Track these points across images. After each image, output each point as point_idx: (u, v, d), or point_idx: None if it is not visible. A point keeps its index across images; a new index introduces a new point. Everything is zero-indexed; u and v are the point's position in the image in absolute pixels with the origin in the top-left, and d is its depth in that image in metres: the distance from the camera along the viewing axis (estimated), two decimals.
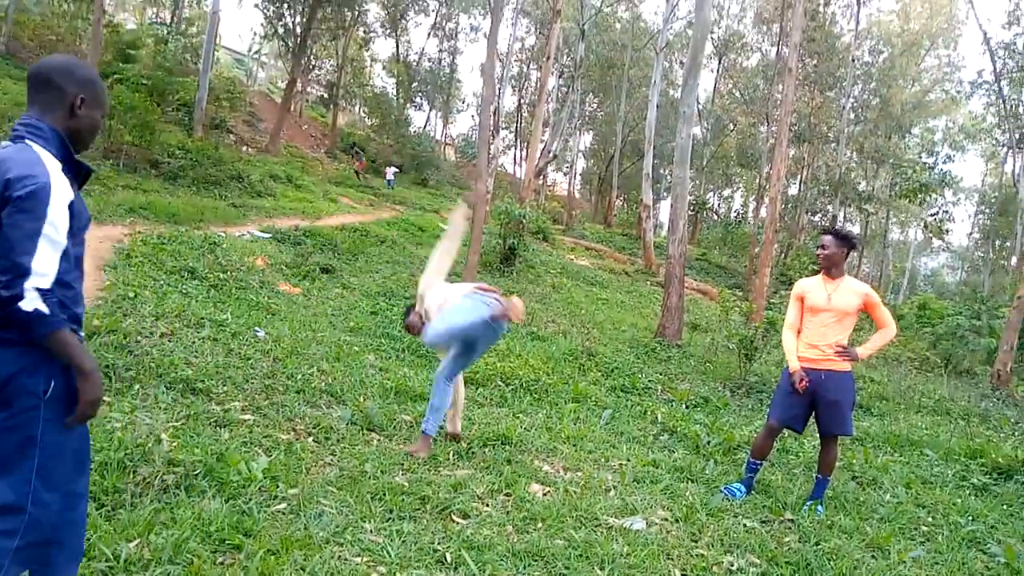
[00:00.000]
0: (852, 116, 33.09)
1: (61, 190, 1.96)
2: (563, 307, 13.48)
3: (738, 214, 50.06)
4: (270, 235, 12.58)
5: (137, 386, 4.65)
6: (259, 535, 3.15)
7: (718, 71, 39.05)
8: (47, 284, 1.86)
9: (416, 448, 4.63)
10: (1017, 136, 20.23)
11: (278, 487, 3.67)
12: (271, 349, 6.29)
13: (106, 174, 13.36)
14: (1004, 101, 21.94)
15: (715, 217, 48.39)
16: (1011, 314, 14.69)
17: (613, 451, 5.57)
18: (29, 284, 1.83)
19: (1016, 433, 8.76)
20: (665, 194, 47.52)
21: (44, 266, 1.87)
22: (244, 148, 24.35)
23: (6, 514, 1.97)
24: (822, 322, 4.64)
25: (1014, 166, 21.69)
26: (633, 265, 24.22)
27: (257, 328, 6.91)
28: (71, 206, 1.98)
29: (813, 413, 4.73)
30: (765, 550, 3.82)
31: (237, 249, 10.35)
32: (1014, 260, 27.63)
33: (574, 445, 5.52)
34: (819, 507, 4.65)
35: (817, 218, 34.46)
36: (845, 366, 4.63)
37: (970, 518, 4.98)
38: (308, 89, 42.64)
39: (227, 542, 3.05)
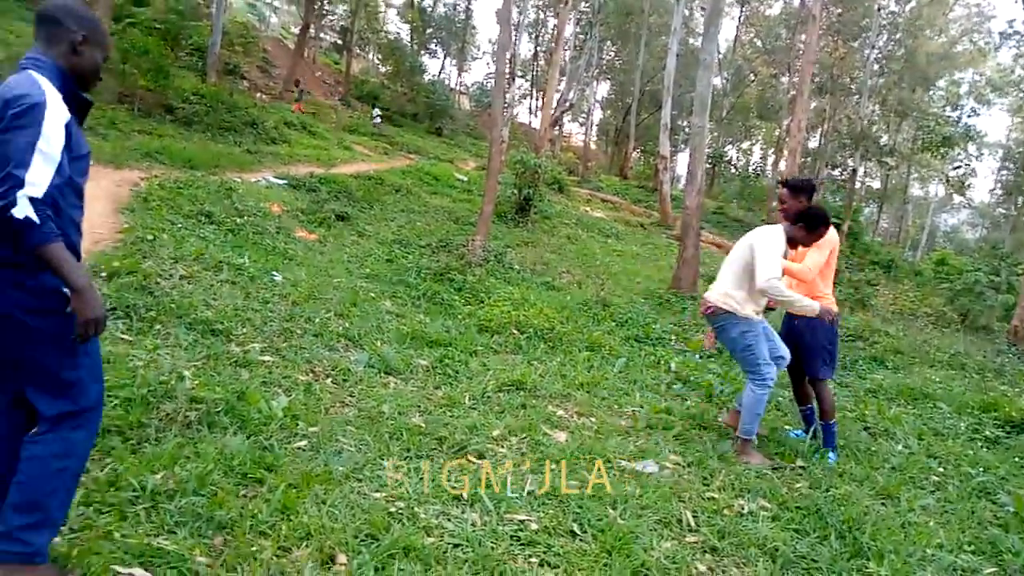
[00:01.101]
0: (876, 68, 32.35)
1: (57, 109, 2.04)
2: (578, 258, 13.46)
3: (756, 167, 49.46)
4: (285, 181, 12.57)
5: (158, 326, 4.73)
6: (280, 470, 3.23)
7: (740, 19, 38.17)
8: (39, 193, 1.92)
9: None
10: None
11: (298, 425, 3.75)
12: (289, 293, 6.35)
13: (121, 118, 13.32)
14: None
15: (733, 170, 47.79)
16: None
17: (626, 398, 5.62)
18: (22, 193, 1.90)
19: None
20: (683, 146, 46.95)
21: (38, 177, 1.93)
22: (258, 94, 24.14)
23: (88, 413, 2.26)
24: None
25: None
26: (649, 218, 24.02)
27: (275, 272, 6.96)
28: (68, 127, 2.06)
29: None
30: (776, 495, 3.87)
31: (253, 195, 10.36)
32: None
33: (588, 392, 5.57)
34: (830, 454, 4.70)
35: (837, 172, 33.96)
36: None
37: (981, 469, 5.01)
38: (321, 35, 42.06)
39: (249, 476, 3.13)
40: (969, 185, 38.09)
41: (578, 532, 3.18)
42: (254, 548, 2.63)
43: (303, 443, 3.58)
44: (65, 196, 2.08)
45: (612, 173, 39.94)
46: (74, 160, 2.11)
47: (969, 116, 33.99)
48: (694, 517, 3.50)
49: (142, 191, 8.69)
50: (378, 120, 30.10)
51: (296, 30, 38.63)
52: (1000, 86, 38.66)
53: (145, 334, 4.58)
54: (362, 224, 11.22)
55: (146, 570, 2.42)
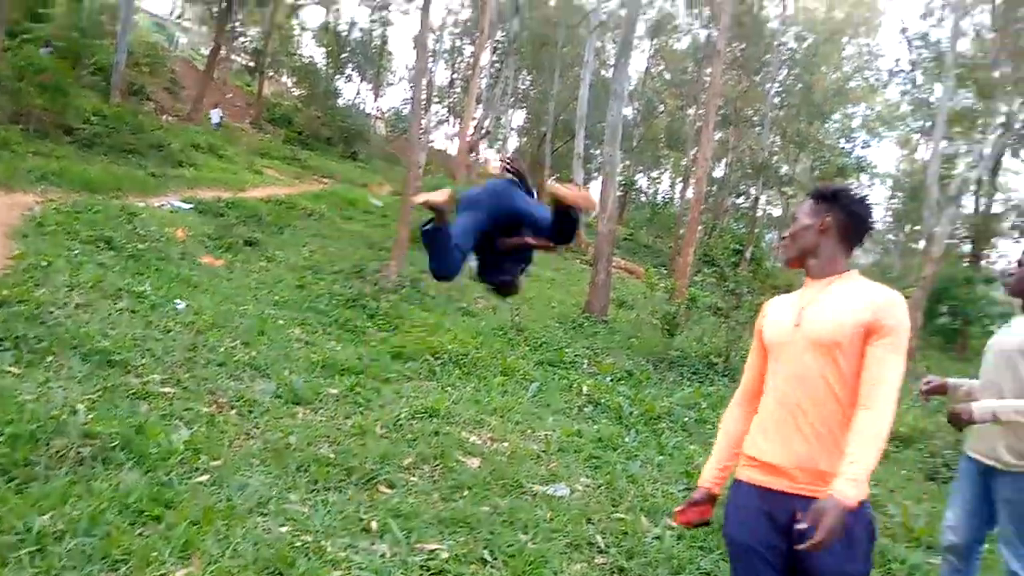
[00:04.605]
0: (776, 101, 34.05)
1: None
2: None
3: (665, 195, 51.05)
4: (192, 206, 12.22)
5: (50, 358, 4.48)
6: (180, 506, 3.10)
7: (650, 52, 39.52)
8: None
9: None
10: (929, 124, 21.26)
11: (200, 459, 3.62)
12: (192, 322, 6.14)
13: (15, 139, 12.68)
14: (918, 90, 22.95)
15: (643, 198, 49.13)
16: (916, 293, 15.53)
17: (539, 422, 5.67)
18: None
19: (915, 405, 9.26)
20: (596, 174, 47.97)
21: None
22: (164, 116, 23.35)
23: None
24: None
25: (925, 153, 22.94)
26: None
27: (177, 300, 6.71)
28: None
29: None
30: None
31: (156, 220, 10.01)
32: (922, 243, 29.10)
33: (501, 417, 5.59)
34: None
35: (740, 200, 35.41)
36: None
37: (873, 483, 5.28)
38: (233, 57, 41.16)
39: (146, 513, 3.00)
40: None
41: (488, 559, 3.19)
42: None
43: (205, 477, 3.46)
44: None
45: None
46: None
47: (862, 147, 36.17)
48: (603, 539, 3.56)
49: (36, 215, 8.29)
50: (218, 121, 27.96)
51: (206, 51, 37.69)
52: (889, 120, 41.28)
53: (35, 366, 4.33)
54: (272, 249, 10.99)
55: None
